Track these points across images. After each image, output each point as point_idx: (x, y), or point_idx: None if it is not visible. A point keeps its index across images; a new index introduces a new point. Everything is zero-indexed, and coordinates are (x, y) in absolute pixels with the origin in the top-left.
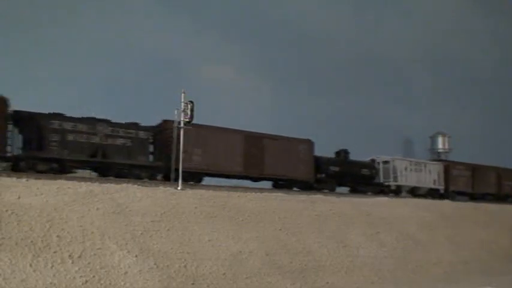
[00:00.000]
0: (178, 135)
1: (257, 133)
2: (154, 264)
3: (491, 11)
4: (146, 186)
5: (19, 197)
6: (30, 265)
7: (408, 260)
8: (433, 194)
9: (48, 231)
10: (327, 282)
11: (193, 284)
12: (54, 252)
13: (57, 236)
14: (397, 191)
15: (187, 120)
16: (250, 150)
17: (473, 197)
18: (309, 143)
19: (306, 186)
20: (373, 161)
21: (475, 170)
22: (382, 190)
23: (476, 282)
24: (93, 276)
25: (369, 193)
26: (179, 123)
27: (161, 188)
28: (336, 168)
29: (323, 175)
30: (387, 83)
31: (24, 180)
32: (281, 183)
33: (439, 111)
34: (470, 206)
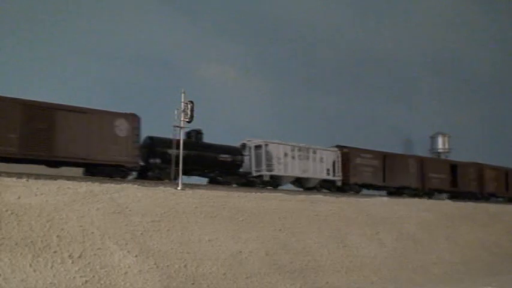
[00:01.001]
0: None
1: (45, 102)
2: (154, 264)
3: (492, 11)
4: (146, 186)
5: (19, 197)
6: (30, 265)
7: (408, 260)
8: (328, 186)
9: (48, 231)
10: (327, 282)
11: (193, 284)
12: (54, 252)
13: (57, 236)
14: (273, 183)
15: (187, 120)
16: (32, 125)
17: (389, 192)
18: (132, 118)
19: (126, 173)
20: (243, 145)
21: (387, 159)
22: (251, 181)
23: (476, 282)
24: (93, 276)
25: (234, 185)
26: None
27: (161, 188)
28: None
29: (157, 160)
30: (387, 83)
31: (24, 180)
32: (93, 171)
33: (439, 111)
34: (470, 206)
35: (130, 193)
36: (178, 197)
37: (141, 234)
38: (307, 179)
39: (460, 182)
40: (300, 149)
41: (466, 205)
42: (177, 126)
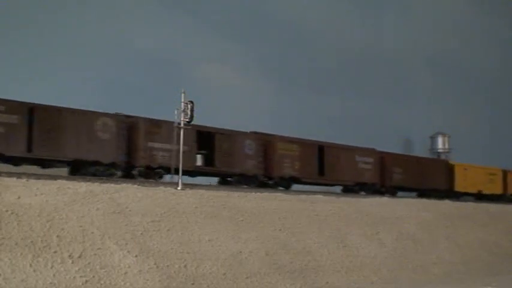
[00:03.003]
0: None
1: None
2: (154, 264)
3: (492, 11)
4: (146, 186)
5: (19, 197)
6: (30, 265)
7: (408, 260)
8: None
9: (48, 231)
10: (327, 282)
11: (193, 284)
12: (54, 252)
13: (57, 236)
14: None
15: (187, 120)
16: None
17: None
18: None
19: None
20: None
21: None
22: None
23: (476, 282)
24: (93, 276)
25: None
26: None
27: (161, 188)
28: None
29: None
30: (387, 83)
31: (24, 180)
32: None
33: (439, 111)
34: (470, 206)
35: (130, 193)
36: (178, 197)
37: (141, 234)
38: None
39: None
40: None
41: (466, 205)
42: (177, 126)
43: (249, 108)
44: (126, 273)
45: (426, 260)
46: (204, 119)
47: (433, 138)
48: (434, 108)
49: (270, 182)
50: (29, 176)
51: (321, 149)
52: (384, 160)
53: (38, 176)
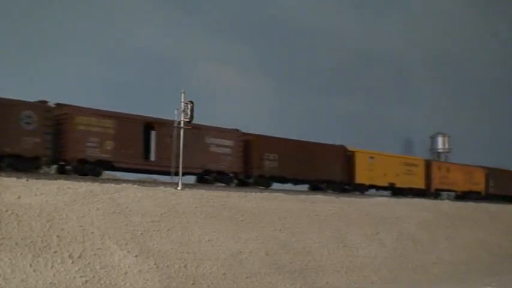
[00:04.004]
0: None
1: None
2: (154, 264)
3: (492, 11)
4: (146, 186)
5: (19, 197)
6: (30, 265)
7: (408, 260)
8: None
9: (48, 231)
10: (327, 282)
11: (193, 284)
12: (54, 252)
13: (57, 236)
14: None
15: (187, 120)
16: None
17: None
18: None
19: None
20: None
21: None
22: None
23: (476, 282)
24: (93, 276)
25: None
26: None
27: (161, 188)
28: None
29: None
30: (387, 83)
31: (24, 180)
32: None
33: (439, 111)
34: (470, 206)
35: (130, 193)
36: (178, 197)
37: (141, 234)
38: None
39: None
40: None
41: (466, 205)
42: (178, 126)
43: (249, 108)
44: (126, 273)
45: (426, 260)
46: (204, 119)
47: (433, 138)
48: (434, 108)
49: (68, 168)
50: (29, 176)
51: (150, 126)
52: (250, 144)
53: (38, 176)
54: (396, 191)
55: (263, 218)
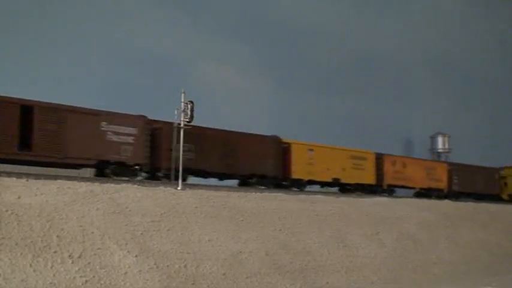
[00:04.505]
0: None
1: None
2: (154, 264)
3: (492, 11)
4: (146, 186)
5: (19, 197)
6: (30, 265)
7: (408, 260)
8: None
9: (48, 231)
10: (327, 282)
11: (193, 284)
12: (54, 252)
13: (57, 236)
14: None
15: (187, 120)
16: None
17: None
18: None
19: None
20: None
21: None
22: None
23: (476, 282)
24: (93, 276)
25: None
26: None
27: (161, 188)
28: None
29: None
30: (387, 83)
31: (24, 180)
32: None
33: (439, 111)
34: (470, 206)
35: (130, 193)
36: (178, 197)
37: (141, 234)
38: None
39: None
40: None
41: (466, 205)
42: (178, 126)
43: (249, 108)
44: (126, 273)
45: (426, 260)
46: (203, 119)
47: (433, 138)
48: (434, 108)
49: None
50: (29, 176)
51: (28, 110)
52: (158, 132)
53: (38, 176)
54: (344, 188)
55: (263, 218)
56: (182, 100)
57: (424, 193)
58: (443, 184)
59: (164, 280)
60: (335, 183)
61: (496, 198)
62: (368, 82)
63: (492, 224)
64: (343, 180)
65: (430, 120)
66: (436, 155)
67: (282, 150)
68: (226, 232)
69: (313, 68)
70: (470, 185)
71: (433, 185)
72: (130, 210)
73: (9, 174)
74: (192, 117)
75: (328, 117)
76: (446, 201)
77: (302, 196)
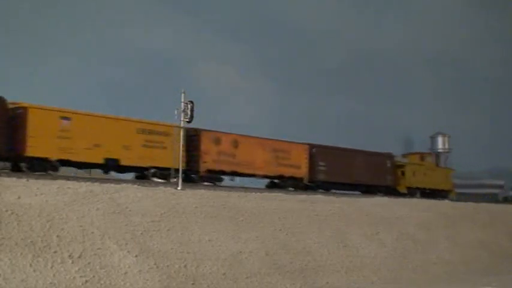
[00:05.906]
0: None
1: None
2: (154, 264)
3: (492, 12)
4: (146, 186)
5: (19, 197)
6: (30, 265)
7: (408, 260)
8: None
9: (48, 231)
10: (327, 282)
11: (193, 284)
12: (54, 252)
13: (57, 236)
14: None
15: (187, 120)
16: None
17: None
18: None
19: None
20: None
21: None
22: None
23: (476, 282)
24: (93, 276)
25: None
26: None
27: (161, 188)
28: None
29: None
30: (388, 83)
31: (24, 180)
32: None
33: (439, 111)
34: (470, 206)
35: (130, 193)
36: (178, 197)
37: (141, 234)
38: None
39: None
40: None
41: (466, 205)
42: (178, 126)
43: (249, 108)
44: (126, 273)
45: (426, 260)
46: (203, 119)
47: (433, 138)
48: (434, 108)
49: None
50: (29, 176)
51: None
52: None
53: (37, 176)
54: (140, 175)
55: (263, 218)
56: (182, 100)
57: (276, 184)
58: (301, 172)
59: (164, 280)
60: (108, 164)
61: (389, 190)
62: (368, 82)
63: (492, 224)
64: (124, 162)
65: (430, 120)
66: (437, 155)
67: (10, 117)
68: (226, 232)
69: (313, 68)
70: (347, 174)
71: (286, 172)
72: (130, 210)
73: (9, 174)
74: (192, 117)
75: (328, 117)
76: (446, 201)
77: (302, 196)
